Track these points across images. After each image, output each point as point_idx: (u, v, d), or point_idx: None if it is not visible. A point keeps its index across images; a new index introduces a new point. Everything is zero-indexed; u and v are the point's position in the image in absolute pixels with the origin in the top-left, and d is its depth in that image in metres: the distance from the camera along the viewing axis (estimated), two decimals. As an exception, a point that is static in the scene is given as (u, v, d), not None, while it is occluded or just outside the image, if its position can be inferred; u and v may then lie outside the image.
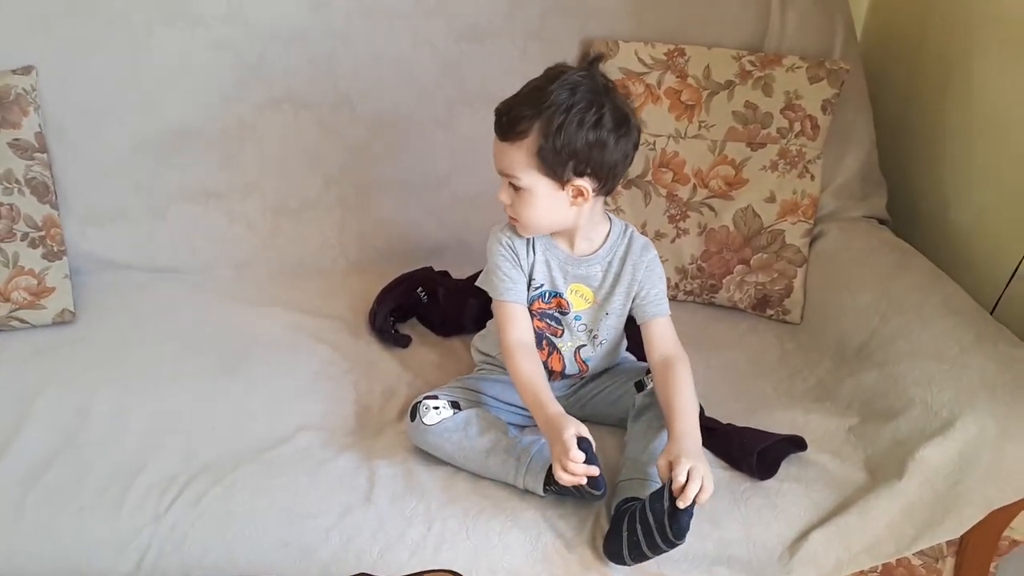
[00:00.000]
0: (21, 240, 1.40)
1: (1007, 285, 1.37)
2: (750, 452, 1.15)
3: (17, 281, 1.39)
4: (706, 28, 1.55)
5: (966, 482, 1.11)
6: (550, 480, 1.08)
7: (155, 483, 1.11)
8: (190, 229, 1.55)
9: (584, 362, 1.24)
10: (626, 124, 1.10)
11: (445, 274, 1.54)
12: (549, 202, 1.12)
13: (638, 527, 1.02)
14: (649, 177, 1.52)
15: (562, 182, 1.11)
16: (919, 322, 1.28)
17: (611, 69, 1.49)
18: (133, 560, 1.06)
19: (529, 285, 1.19)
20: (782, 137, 1.50)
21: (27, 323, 1.40)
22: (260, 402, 1.26)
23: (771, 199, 1.50)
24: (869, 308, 1.35)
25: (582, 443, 1.03)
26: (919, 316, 1.29)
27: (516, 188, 1.12)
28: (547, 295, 1.20)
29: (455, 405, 1.18)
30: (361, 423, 1.25)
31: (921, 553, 1.18)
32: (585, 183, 1.11)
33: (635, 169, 1.51)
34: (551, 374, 1.22)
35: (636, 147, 1.13)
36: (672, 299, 1.24)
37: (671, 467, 1.02)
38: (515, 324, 1.17)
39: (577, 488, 1.05)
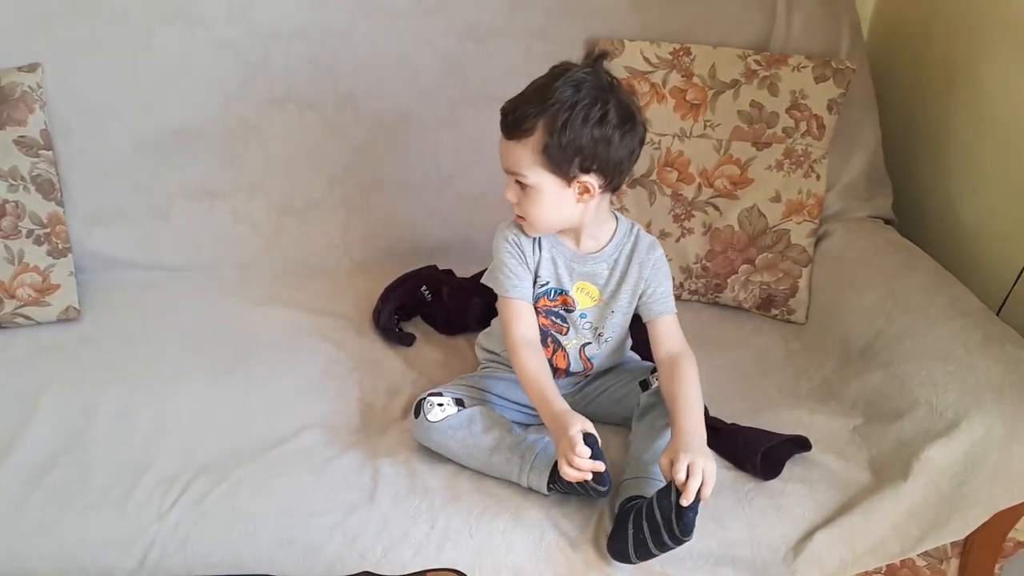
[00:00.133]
0: (26, 237, 1.40)
1: (1013, 286, 1.37)
2: (754, 452, 1.15)
3: (22, 278, 1.39)
4: (711, 27, 1.54)
5: (971, 483, 1.11)
6: (554, 478, 1.08)
7: (159, 481, 1.11)
8: (194, 228, 1.55)
9: (589, 360, 1.24)
10: (631, 120, 1.10)
11: (449, 273, 1.54)
12: (556, 199, 1.12)
13: (644, 524, 1.02)
14: (654, 176, 1.52)
15: (568, 179, 1.11)
16: (925, 323, 1.27)
17: (616, 68, 1.49)
18: (137, 558, 1.06)
19: (535, 282, 1.19)
20: (788, 137, 1.50)
21: (32, 320, 1.41)
22: (264, 401, 1.26)
23: (776, 199, 1.50)
24: (874, 308, 1.35)
25: (588, 439, 1.03)
26: (925, 317, 1.28)
27: (523, 186, 1.13)
28: (553, 292, 1.20)
29: (459, 402, 1.18)
30: (365, 421, 1.25)
31: (926, 554, 1.18)
32: (591, 180, 1.11)
33: (640, 168, 1.51)
34: (555, 371, 1.22)
35: (642, 143, 1.13)
36: (676, 299, 1.23)
37: (672, 465, 1.02)
38: (520, 321, 1.17)
39: (582, 484, 1.04)
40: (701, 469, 1.01)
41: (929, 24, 1.65)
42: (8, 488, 1.10)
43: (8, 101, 1.38)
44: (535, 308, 1.20)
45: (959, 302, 1.30)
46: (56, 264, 1.42)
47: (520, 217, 1.16)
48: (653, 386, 1.19)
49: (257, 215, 1.57)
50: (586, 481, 1.03)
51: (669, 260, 1.24)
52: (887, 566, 1.16)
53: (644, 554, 1.03)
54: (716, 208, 1.52)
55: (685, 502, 1.00)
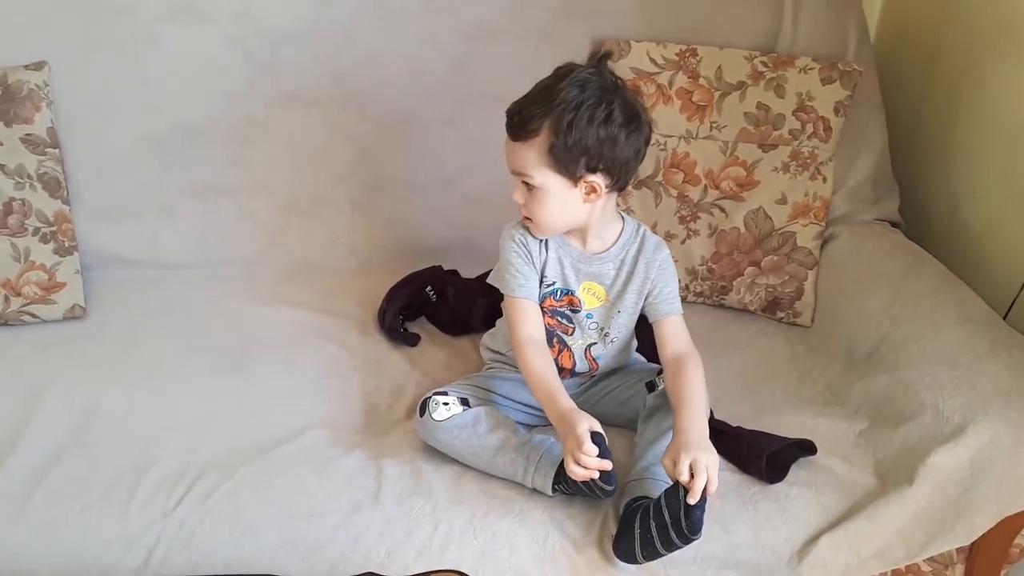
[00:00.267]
0: (33, 235, 1.40)
1: (1020, 290, 1.36)
2: (759, 455, 1.15)
3: (28, 276, 1.40)
4: (718, 29, 1.54)
5: (978, 489, 1.10)
6: (559, 479, 1.08)
7: (163, 480, 1.11)
8: (199, 227, 1.55)
9: (595, 360, 1.24)
10: (636, 120, 1.10)
11: (454, 273, 1.53)
12: (562, 200, 1.12)
13: (652, 524, 1.02)
14: (660, 178, 1.52)
15: (575, 179, 1.11)
16: (931, 327, 1.27)
17: (623, 69, 1.48)
18: (141, 557, 1.06)
19: (541, 282, 1.19)
20: (794, 139, 1.49)
21: (38, 318, 1.41)
22: (268, 400, 1.26)
23: (782, 201, 1.49)
24: (880, 312, 1.34)
25: (595, 438, 1.03)
26: (931, 321, 1.28)
27: (529, 187, 1.13)
28: (559, 292, 1.20)
29: (464, 402, 1.18)
30: (369, 422, 1.25)
31: (931, 560, 1.17)
32: (598, 179, 1.11)
33: (646, 170, 1.50)
34: (561, 372, 1.21)
35: (647, 143, 1.13)
36: (682, 300, 1.23)
37: (675, 465, 1.02)
38: (526, 320, 1.17)
39: (587, 485, 1.04)
40: (705, 466, 1.00)
41: (936, 26, 1.64)
42: (11, 486, 1.10)
43: (15, 99, 1.39)
44: (541, 308, 1.20)
45: (966, 306, 1.30)
46: (62, 262, 1.42)
47: (527, 219, 1.16)
48: (659, 387, 1.19)
49: (262, 213, 1.57)
50: (593, 480, 1.03)
51: (675, 262, 1.24)
52: (892, 571, 1.15)
53: (651, 554, 1.03)
54: (722, 210, 1.51)
55: (692, 500, 0.99)
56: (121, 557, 1.06)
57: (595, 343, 1.23)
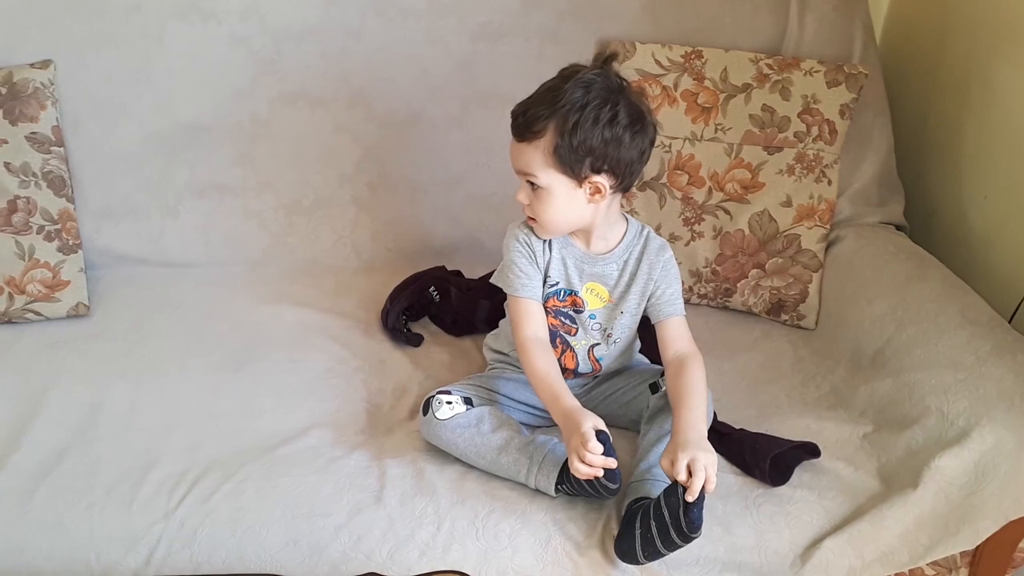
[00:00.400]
0: (37, 233, 1.41)
1: (1026, 294, 1.36)
2: (763, 458, 1.14)
3: (32, 274, 1.40)
4: (723, 30, 1.54)
5: (982, 493, 1.10)
6: (562, 480, 1.08)
7: (165, 479, 1.11)
8: (204, 225, 1.56)
9: (597, 361, 1.24)
10: (641, 121, 1.10)
11: (458, 274, 1.53)
12: (567, 200, 1.12)
13: (652, 524, 1.02)
14: (664, 180, 1.51)
15: (579, 179, 1.11)
16: (936, 331, 1.26)
17: (628, 71, 1.48)
18: (143, 556, 1.06)
19: (545, 282, 1.19)
20: (799, 141, 1.49)
21: (42, 316, 1.41)
22: (271, 399, 1.26)
23: (787, 203, 1.49)
24: (885, 315, 1.34)
25: (600, 436, 1.03)
26: (936, 325, 1.27)
27: (534, 188, 1.13)
28: (562, 293, 1.20)
29: (468, 401, 1.18)
30: (372, 422, 1.25)
31: (935, 563, 1.17)
32: (602, 180, 1.11)
33: (650, 171, 1.50)
34: (564, 372, 1.21)
35: (652, 144, 1.13)
36: (686, 302, 1.23)
37: (673, 465, 1.01)
38: (530, 320, 1.17)
39: (591, 484, 1.04)
40: (703, 465, 1.00)
41: (942, 29, 1.64)
42: (14, 484, 1.11)
43: (20, 97, 1.39)
44: (544, 308, 1.20)
45: (970, 310, 1.29)
46: (66, 260, 1.42)
47: (532, 219, 1.16)
48: (663, 389, 1.19)
49: (266, 212, 1.57)
50: (597, 478, 1.03)
51: (679, 264, 1.24)
52: (896, 575, 1.15)
53: (652, 554, 1.02)
54: (726, 212, 1.51)
55: (690, 498, 0.99)
56: (123, 555, 1.06)
57: (598, 344, 1.23)
